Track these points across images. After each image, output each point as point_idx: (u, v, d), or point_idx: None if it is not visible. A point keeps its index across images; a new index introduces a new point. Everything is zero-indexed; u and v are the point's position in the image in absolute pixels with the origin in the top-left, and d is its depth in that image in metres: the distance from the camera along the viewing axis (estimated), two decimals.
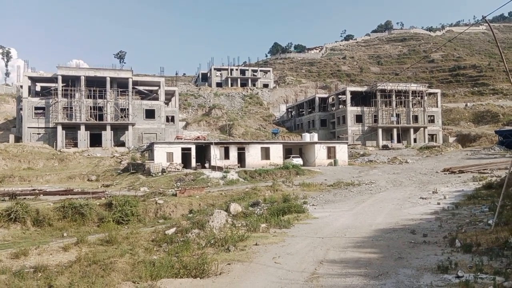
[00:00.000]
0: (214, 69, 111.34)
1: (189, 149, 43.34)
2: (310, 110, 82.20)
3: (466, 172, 34.97)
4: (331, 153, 48.33)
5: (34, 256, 15.11)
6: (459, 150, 58.99)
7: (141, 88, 64.72)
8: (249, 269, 9.66)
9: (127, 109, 58.90)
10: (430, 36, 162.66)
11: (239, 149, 44.94)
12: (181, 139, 52.27)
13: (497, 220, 12.43)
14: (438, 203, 20.07)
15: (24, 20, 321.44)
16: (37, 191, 29.38)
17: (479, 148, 58.79)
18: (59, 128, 54.96)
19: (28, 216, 21.30)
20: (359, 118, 69.21)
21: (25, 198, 25.62)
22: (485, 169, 35.17)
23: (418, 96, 71.82)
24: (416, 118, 71.77)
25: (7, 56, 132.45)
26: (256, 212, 21.12)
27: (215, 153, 43.16)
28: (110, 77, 58.34)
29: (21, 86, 60.09)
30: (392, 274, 8.54)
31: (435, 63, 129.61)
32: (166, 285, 8.12)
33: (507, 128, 66.22)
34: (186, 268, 9.47)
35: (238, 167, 42.33)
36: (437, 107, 74.71)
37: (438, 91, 77.87)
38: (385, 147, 64.15)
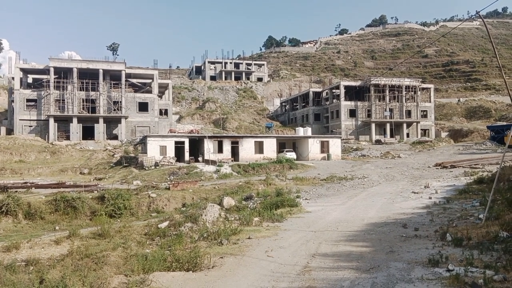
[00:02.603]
0: (208, 62, 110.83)
1: (183, 142, 43.24)
2: (304, 104, 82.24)
3: (458, 167, 35.22)
4: (324, 147, 48.45)
5: (26, 249, 15.06)
6: (451, 145, 59.41)
7: (134, 80, 64.30)
8: (241, 263, 9.69)
9: (120, 101, 58.52)
10: (424, 31, 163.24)
11: (232, 143, 44.91)
12: (175, 132, 52.13)
13: (487, 215, 12.55)
14: (430, 198, 20.21)
15: (16, 11, 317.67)
16: (29, 184, 29.22)
17: (471, 143, 59.26)
18: (51, 120, 54.51)
19: (20, 209, 21.18)
20: (352, 113, 69.38)
21: (16, 191, 25.43)
22: (477, 164, 35.45)
23: (412, 91, 72.09)
24: (409, 113, 72.09)
25: None
26: (249, 206, 21.16)
27: (209, 146, 43.10)
28: (103, 69, 57.86)
29: (13, 78, 59.44)
30: (384, 268, 8.60)
31: (429, 58, 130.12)
32: (158, 278, 8.12)
33: (499, 123, 66.82)
34: (179, 261, 9.47)
35: (232, 161, 42.34)
36: (430, 102, 75.07)
37: (431, 86, 78.22)
38: (378, 142, 64.43)
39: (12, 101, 58.95)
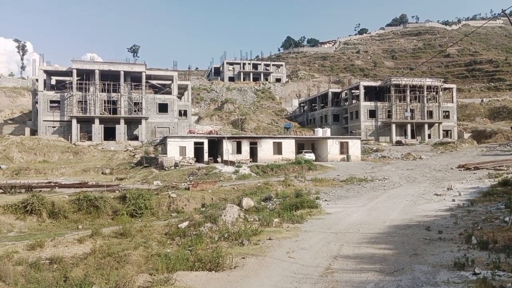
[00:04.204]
0: (227, 63, 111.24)
1: (202, 143, 43.50)
2: (322, 105, 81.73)
3: (482, 168, 34.47)
4: (343, 148, 48.03)
5: (50, 248, 15.34)
6: (474, 147, 58.19)
7: (154, 82, 65.04)
8: (263, 263, 9.68)
9: (141, 103, 59.27)
10: (446, 30, 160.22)
11: (251, 143, 44.94)
12: (194, 133, 52.49)
13: None
14: (453, 200, 19.85)
15: (39, 14, 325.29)
16: (53, 184, 29.79)
17: (494, 144, 57.93)
18: (74, 121, 55.57)
19: (44, 208, 21.60)
20: (372, 113, 68.59)
21: (40, 191, 26.00)
22: (501, 166, 34.64)
23: (433, 91, 70.83)
24: (430, 114, 70.84)
25: (23, 49, 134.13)
26: (268, 207, 21.14)
27: (228, 147, 43.24)
28: (124, 71, 58.71)
29: (37, 80, 60.81)
30: (408, 270, 8.47)
31: (451, 58, 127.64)
32: (182, 278, 8.17)
33: None
34: (201, 261, 9.52)
35: (250, 161, 42.38)
36: (452, 102, 73.64)
37: (454, 86, 76.68)
38: (398, 143, 63.54)
39: (36, 102, 60.31)
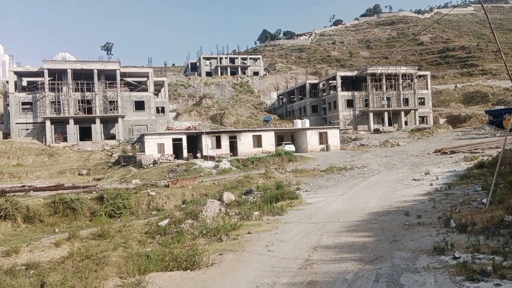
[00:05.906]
0: (203, 58, 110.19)
1: (180, 139, 43.00)
2: (301, 96, 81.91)
3: (458, 152, 35.07)
4: (323, 138, 48.23)
5: (26, 253, 14.93)
6: (450, 131, 59.23)
7: (129, 79, 63.84)
8: (241, 259, 9.49)
9: (116, 101, 58.13)
10: (419, 18, 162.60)
11: (230, 138, 44.67)
12: (172, 129, 51.78)
13: (491, 199, 12.38)
14: (431, 184, 20.08)
15: (9, 15, 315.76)
16: (27, 188, 28.98)
17: (469, 128, 59.09)
18: (48, 122, 54.16)
19: (19, 213, 21.02)
20: (350, 103, 69.06)
21: (14, 195, 25.23)
22: (476, 149, 35.31)
23: (408, 79, 71.72)
24: (406, 101, 71.76)
25: None
26: (249, 200, 21.03)
27: (207, 142, 42.87)
28: (98, 69, 57.41)
29: (7, 82, 58.89)
30: (388, 258, 8.41)
31: (424, 46, 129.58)
32: (155, 279, 7.90)
33: (497, 107, 66.64)
34: (176, 260, 9.25)
35: (230, 156, 42.15)
36: (427, 89, 74.69)
37: (428, 73, 77.71)
38: (376, 131, 64.24)
39: (8, 105, 58.55)
